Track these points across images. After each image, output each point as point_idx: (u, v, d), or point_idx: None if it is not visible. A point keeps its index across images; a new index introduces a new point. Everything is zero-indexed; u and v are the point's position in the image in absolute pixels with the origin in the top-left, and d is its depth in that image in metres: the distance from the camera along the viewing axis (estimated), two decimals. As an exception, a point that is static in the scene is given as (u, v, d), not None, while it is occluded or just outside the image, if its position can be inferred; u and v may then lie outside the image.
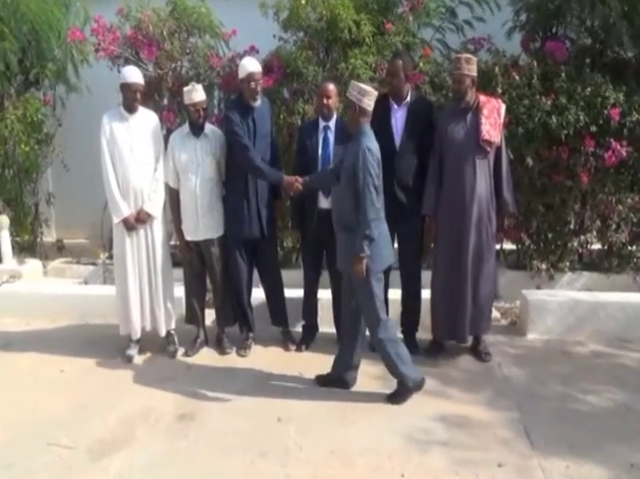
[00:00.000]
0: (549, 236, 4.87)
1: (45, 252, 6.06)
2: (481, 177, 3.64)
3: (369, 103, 3.18)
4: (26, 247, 5.99)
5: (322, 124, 3.80)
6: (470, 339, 3.92)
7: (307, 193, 3.70)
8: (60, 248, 6.27)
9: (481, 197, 3.65)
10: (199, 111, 3.77)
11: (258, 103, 3.78)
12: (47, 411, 3.34)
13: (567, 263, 4.92)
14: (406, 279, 4.00)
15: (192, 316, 4.12)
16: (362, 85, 3.20)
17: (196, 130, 3.83)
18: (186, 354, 4.02)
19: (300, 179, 3.60)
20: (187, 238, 3.93)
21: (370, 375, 3.61)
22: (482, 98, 3.69)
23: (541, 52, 4.68)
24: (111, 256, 5.43)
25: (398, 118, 3.76)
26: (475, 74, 3.62)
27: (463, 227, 3.67)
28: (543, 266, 4.84)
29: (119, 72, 5.02)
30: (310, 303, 4.12)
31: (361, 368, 3.57)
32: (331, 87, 3.75)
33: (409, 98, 3.78)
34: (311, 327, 4.17)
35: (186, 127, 3.87)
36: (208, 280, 4.12)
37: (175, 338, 4.09)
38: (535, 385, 3.57)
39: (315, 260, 4.01)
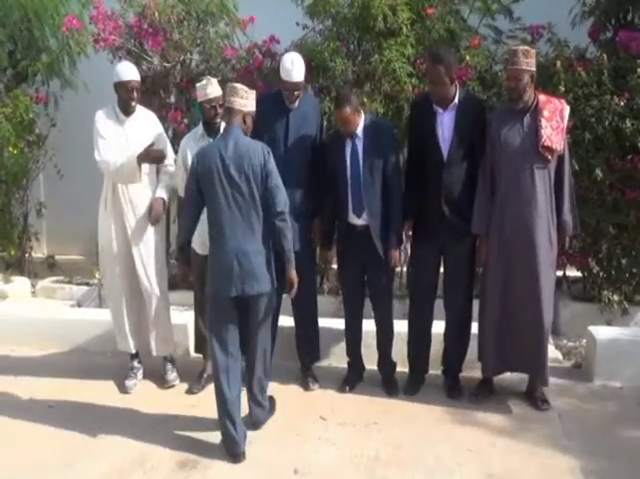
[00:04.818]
0: (622, 262, 4.84)
1: (34, 270, 6.26)
2: (541, 189, 3.66)
3: (254, 104, 3.45)
4: (13, 264, 6.21)
5: None
6: (518, 376, 3.93)
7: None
8: (51, 266, 6.47)
9: (541, 213, 3.67)
10: (215, 108, 3.86)
11: (294, 106, 3.90)
12: (31, 453, 3.44)
13: (645, 295, 4.88)
14: (452, 313, 3.99)
15: (201, 344, 4.20)
16: (240, 86, 3.40)
17: (212, 131, 3.93)
18: (191, 391, 4.10)
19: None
20: (195, 248, 3.96)
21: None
22: (542, 97, 3.72)
23: (613, 43, 4.70)
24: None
25: (445, 124, 3.76)
26: (534, 69, 3.64)
27: (518, 248, 3.69)
28: (615, 298, 4.81)
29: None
30: (354, 337, 4.11)
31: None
32: (346, 112, 3.66)
33: (457, 99, 3.75)
34: (356, 366, 4.18)
35: (200, 127, 3.97)
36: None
37: (174, 366, 4.22)
38: (604, 445, 3.48)
39: (356, 285, 4.02)
